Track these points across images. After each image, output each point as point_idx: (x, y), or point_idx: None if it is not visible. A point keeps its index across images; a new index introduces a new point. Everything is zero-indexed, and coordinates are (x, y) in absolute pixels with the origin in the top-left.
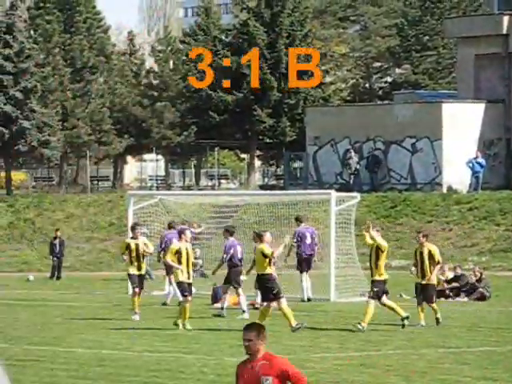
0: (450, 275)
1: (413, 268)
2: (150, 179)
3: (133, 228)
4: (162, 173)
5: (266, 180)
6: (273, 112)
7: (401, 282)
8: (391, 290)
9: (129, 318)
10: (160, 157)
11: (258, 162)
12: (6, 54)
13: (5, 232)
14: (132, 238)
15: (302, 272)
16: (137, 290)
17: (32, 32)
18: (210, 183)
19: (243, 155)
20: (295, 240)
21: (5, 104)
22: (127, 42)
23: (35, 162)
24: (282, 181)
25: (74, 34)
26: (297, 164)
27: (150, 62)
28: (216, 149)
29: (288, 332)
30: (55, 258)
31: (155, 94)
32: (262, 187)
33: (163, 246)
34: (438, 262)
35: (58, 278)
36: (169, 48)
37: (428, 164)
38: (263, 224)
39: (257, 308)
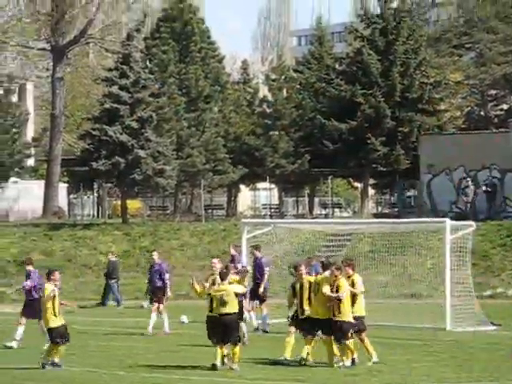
0: None
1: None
2: (264, 208)
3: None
4: (276, 201)
5: (380, 208)
6: (386, 140)
7: None
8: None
9: (255, 345)
10: (273, 185)
11: (371, 191)
12: (123, 84)
13: (121, 260)
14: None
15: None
16: None
17: (148, 62)
18: (323, 212)
19: (356, 184)
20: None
21: (121, 133)
22: (241, 72)
23: (150, 191)
24: (395, 209)
25: (189, 63)
26: (410, 192)
27: (263, 91)
28: (329, 177)
29: (403, 361)
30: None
31: (269, 122)
32: (375, 216)
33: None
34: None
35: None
36: (282, 77)
37: None
38: (377, 252)
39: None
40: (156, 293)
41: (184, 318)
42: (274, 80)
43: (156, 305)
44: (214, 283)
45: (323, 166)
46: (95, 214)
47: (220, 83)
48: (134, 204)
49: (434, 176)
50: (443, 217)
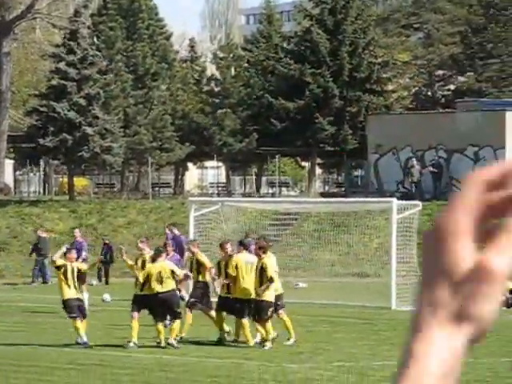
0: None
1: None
2: (211, 186)
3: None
4: (223, 180)
5: (327, 188)
6: (334, 120)
7: None
8: None
9: (193, 324)
10: (221, 164)
11: (318, 170)
12: (70, 61)
13: (67, 238)
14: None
15: None
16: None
17: (95, 39)
18: (270, 190)
19: (304, 163)
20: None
21: (68, 110)
22: (189, 50)
23: (97, 169)
24: (342, 189)
25: (136, 40)
26: (358, 172)
27: (211, 69)
28: (277, 156)
29: (349, 339)
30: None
31: (217, 101)
32: (322, 195)
33: None
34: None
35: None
36: (230, 55)
37: None
38: (324, 232)
39: None
40: None
41: (106, 297)
42: (222, 58)
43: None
44: (143, 265)
45: (271, 144)
46: (41, 191)
47: (168, 61)
48: (80, 181)
49: (381, 156)
50: (390, 196)
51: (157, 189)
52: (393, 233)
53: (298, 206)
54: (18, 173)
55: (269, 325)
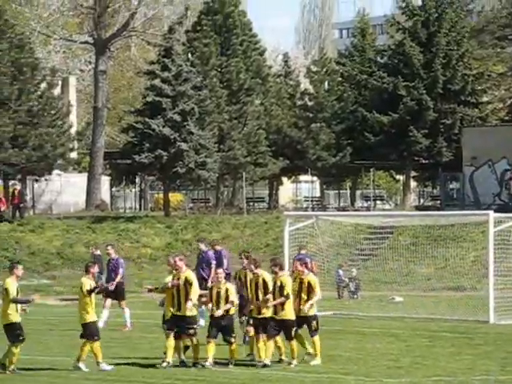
0: None
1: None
2: (306, 200)
3: None
4: (317, 194)
5: (422, 201)
6: (429, 132)
7: None
8: None
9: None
10: (315, 178)
11: (413, 183)
12: (165, 77)
13: (163, 253)
14: None
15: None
16: None
17: (189, 55)
18: (365, 204)
19: (398, 176)
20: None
21: (163, 126)
22: (283, 65)
23: (192, 184)
24: (438, 202)
25: (230, 56)
26: (453, 185)
27: (305, 84)
28: (371, 169)
29: (446, 354)
30: None
31: (310, 115)
32: (417, 208)
33: None
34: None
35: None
36: (324, 69)
37: None
38: (420, 245)
39: None
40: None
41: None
42: (315, 72)
43: (109, 301)
44: (178, 287)
45: (365, 158)
46: (137, 206)
47: (261, 76)
48: (176, 197)
49: (477, 168)
50: (486, 209)
51: (251, 203)
52: (490, 246)
53: (393, 219)
54: (114, 189)
55: (294, 343)
